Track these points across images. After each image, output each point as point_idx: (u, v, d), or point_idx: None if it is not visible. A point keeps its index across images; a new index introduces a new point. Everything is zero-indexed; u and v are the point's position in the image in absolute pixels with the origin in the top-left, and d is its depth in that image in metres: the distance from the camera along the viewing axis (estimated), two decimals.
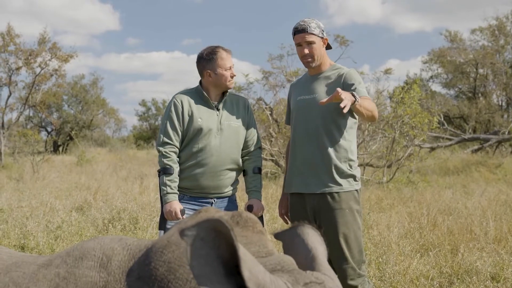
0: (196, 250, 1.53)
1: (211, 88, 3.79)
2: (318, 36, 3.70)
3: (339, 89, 3.23)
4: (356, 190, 3.69)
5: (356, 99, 3.34)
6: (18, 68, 24.77)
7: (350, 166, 3.67)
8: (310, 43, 3.69)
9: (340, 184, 3.61)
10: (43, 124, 41.63)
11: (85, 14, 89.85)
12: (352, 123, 3.73)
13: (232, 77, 3.77)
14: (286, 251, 2.02)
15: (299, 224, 2.02)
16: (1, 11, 67.92)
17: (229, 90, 3.87)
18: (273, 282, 1.60)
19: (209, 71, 3.75)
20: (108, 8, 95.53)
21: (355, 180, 3.69)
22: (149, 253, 1.93)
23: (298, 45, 3.73)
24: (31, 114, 38.72)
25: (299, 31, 3.69)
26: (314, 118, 3.67)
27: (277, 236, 2.06)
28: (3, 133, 23.74)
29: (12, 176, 15.36)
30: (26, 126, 37.99)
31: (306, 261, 1.89)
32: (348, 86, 3.60)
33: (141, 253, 1.98)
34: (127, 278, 1.92)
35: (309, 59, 3.72)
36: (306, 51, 3.70)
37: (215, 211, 2.02)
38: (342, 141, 3.66)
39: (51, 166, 19.47)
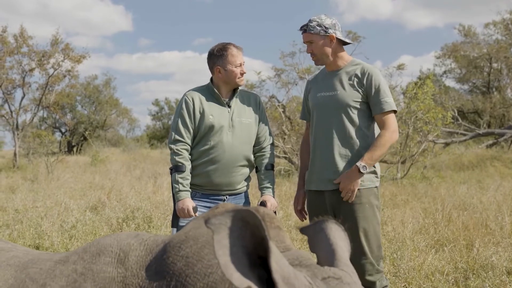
0: (222, 239, 1.53)
1: (222, 84, 3.78)
2: (319, 34, 3.68)
3: (344, 191, 3.53)
4: (376, 186, 3.67)
5: (360, 171, 3.52)
6: (31, 70, 24.89)
7: None
8: (309, 43, 3.72)
9: (361, 181, 3.59)
10: (57, 125, 41.90)
11: (98, 15, 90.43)
12: (372, 120, 3.72)
13: (242, 74, 3.76)
14: (310, 246, 2.03)
15: (324, 219, 2.02)
16: (14, 13, 68.49)
17: (240, 87, 3.86)
18: (296, 275, 1.60)
19: (219, 67, 3.74)
20: (120, 9, 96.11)
21: (376, 176, 3.67)
22: (166, 248, 1.93)
23: (305, 43, 3.80)
24: (45, 115, 39.03)
25: (301, 31, 3.75)
26: (336, 115, 3.65)
27: (303, 230, 2.07)
28: (18, 134, 23.89)
29: (26, 177, 15.48)
30: (40, 127, 38.26)
31: (327, 256, 1.89)
32: (370, 95, 3.62)
33: (158, 248, 1.99)
34: (144, 272, 1.93)
35: (313, 58, 3.77)
36: (309, 49, 3.75)
37: (233, 207, 2.01)
38: (364, 138, 3.65)
39: (65, 166, 19.61)
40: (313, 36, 3.68)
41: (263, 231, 1.51)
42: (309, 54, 3.77)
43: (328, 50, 3.72)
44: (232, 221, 1.56)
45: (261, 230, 1.53)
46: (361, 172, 3.50)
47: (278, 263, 1.51)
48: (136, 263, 1.98)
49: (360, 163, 3.49)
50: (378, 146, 3.55)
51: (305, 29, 3.70)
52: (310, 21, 3.70)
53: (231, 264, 1.51)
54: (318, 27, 3.67)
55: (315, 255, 1.98)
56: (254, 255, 1.59)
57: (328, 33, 3.70)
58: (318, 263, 1.90)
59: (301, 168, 4.02)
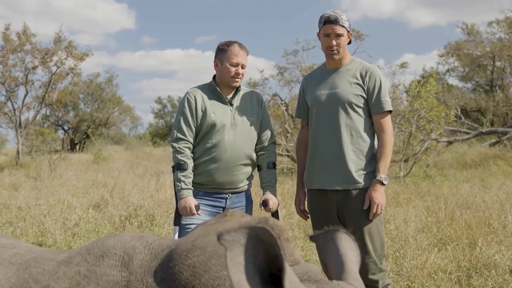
0: (235, 257, 1.52)
1: (220, 81, 3.79)
2: (347, 29, 3.67)
3: (374, 211, 3.50)
4: None
5: (383, 183, 3.55)
6: (34, 67, 24.89)
7: (374, 161, 3.64)
8: (339, 35, 3.63)
9: (364, 180, 3.58)
10: (59, 122, 41.95)
11: (101, 13, 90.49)
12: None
13: (237, 74, 3.72)
14: (320, 254, 2.03)
15: (335, 228, 2.01)
16: (17, 11, 68.54)
17: (242, 86, 3.85)
18: None
19: (217, 60, 3.77)
20: (123, 7, 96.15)
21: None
22: (173, 255, 1.90)
23: (326, 35, 3.66)
24: (47, 113, 39.02)
25: (331, 21, 3.62)
26: (338, 113, 3.62)
27: (312, 238, 2.06)
28: (21, 132, 23.91)
29: (29, 175, 15.51)
30: (43, 125, 38.29)
31: (336, 267, 1.89)
32: (371, 94, 3.63)
33: (164, 253, 1.96)
34: (150, 279, 1.90)
35: (335, 51, 3.66)
36: (334, 42, 3.63)
37: (241, 215, 1.99)
38: (365, 136, 3.64)
39: (68, 164, 19.62)
40: (344, 29, 3.65)
41: (278, 250, 1.50)
42: (330, 46, 3.65)
43: (346, 46, 3.74)
44: (246, 238, 1.55)
45: (276, 249, 1.51)
46: (383, 184, 3.52)
47: (291, 282, 1.51)
48: (141, 267, 1.95)
49: (380, 176, 3.51)
50: (386, 154, 3.58)
51: (336, 20, 3.61)
52: (337, 13, 3.64)
53: (245, 283, 1.50)
54: (347, 22, 3.66)
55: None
56: (266, 272, 1.58)
57: (350, 30, 3.72)
58: (326, 272, 1.90)
59: (299, 167, 4.00)
